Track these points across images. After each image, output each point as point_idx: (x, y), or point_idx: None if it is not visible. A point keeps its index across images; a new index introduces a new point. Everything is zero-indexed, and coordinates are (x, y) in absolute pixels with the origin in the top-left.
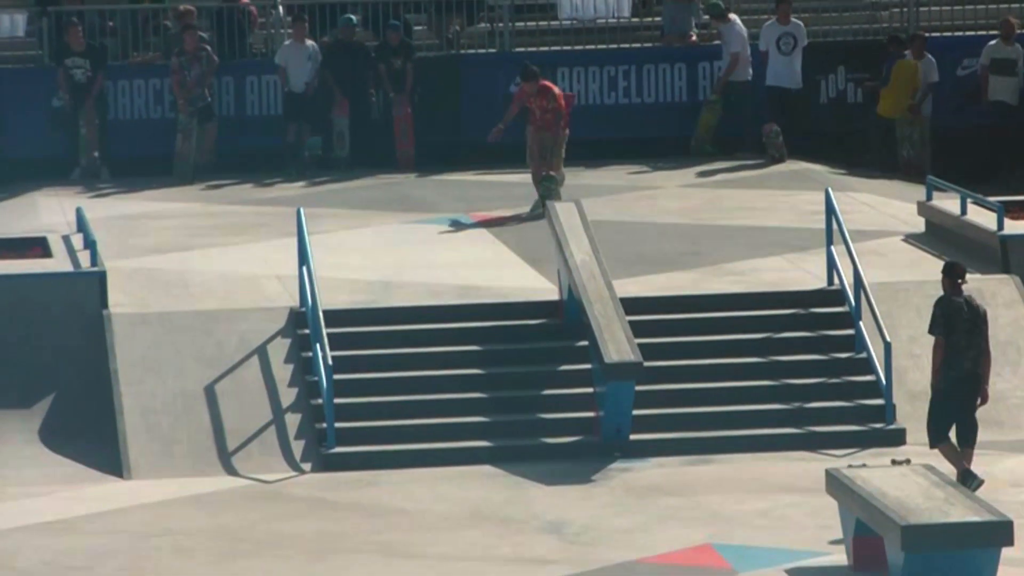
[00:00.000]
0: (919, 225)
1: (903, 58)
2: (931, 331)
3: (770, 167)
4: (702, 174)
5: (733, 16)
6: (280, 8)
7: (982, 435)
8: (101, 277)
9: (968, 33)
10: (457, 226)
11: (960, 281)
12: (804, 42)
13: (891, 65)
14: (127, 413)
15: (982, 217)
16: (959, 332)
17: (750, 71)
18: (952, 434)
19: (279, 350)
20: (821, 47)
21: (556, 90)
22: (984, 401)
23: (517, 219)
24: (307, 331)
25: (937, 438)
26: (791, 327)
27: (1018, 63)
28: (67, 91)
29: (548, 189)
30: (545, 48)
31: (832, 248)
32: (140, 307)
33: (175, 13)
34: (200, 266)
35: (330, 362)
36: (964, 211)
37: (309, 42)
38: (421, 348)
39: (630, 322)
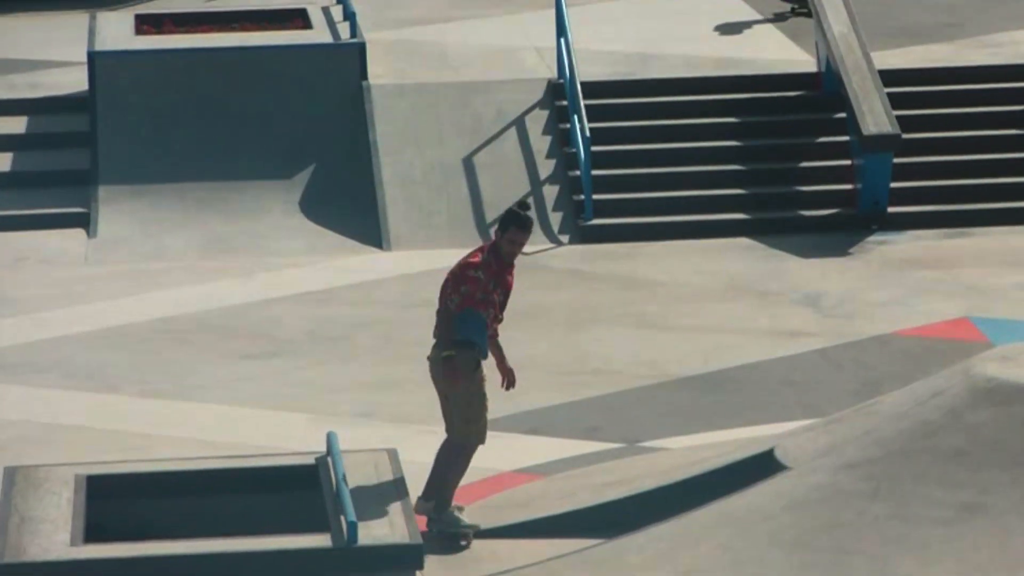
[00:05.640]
0: None
1: None
2: None
3: None
4: None
5: None
6: None
7: None
8: (361, 48)
9: None
10: None
11: None
12: None
13: None
14: (387, 184)
15: None
16: None
17: None
18: None
19: (536, 122)
20: None
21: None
22: None
23: None
24: (565, 103)
25: None
26: None
27: None
28: None
29: None
30: None
31: None
32: (399, 79)
33: None
34: (459, 38)
35: (588, 134)
36: None
37: None
38: (678, 120)
39: (888, 94)
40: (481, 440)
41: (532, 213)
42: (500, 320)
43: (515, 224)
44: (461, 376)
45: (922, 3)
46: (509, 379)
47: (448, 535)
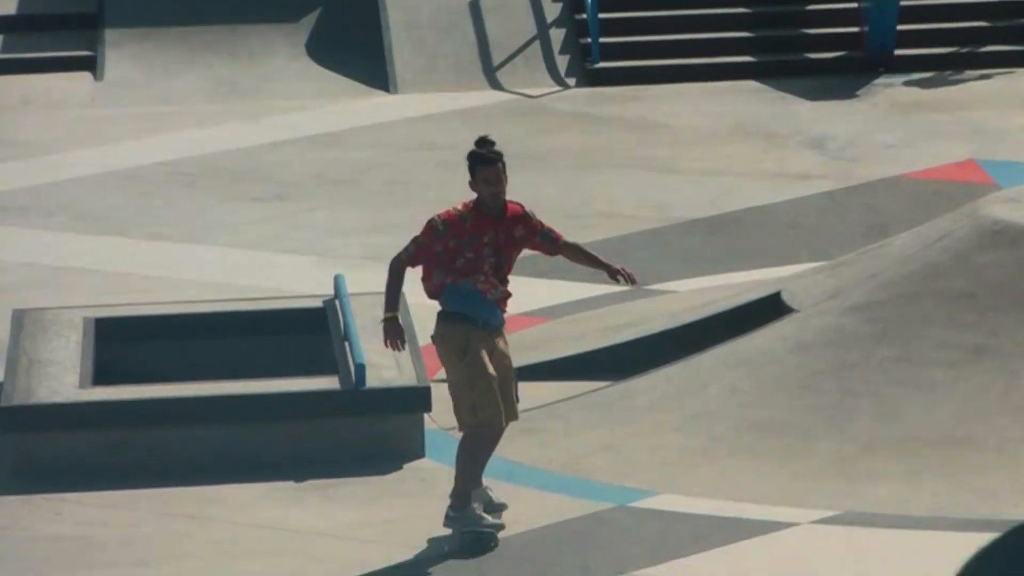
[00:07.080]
0: None
1: None
2: None
3: None
4: None
5: None
6: None
7: None
8: None
9: None
10: None
11: None
12: None
13: None
14: (393, 27)
15: None
16: None
17: None
18: None
19: None
20: None
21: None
22: None
23: None
24: None
25: None
26: None
27: None
28: None
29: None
30: None
31: None
32: None
33: None
34: None
35: None
36: None
37: None
38: None
39: None
40: (503, 419)
41: (498, 148)
42: (505, 281)
43: (478, 162)
44: (443, 359)
45: None
46: (626, 275)
47: (469, 535)
